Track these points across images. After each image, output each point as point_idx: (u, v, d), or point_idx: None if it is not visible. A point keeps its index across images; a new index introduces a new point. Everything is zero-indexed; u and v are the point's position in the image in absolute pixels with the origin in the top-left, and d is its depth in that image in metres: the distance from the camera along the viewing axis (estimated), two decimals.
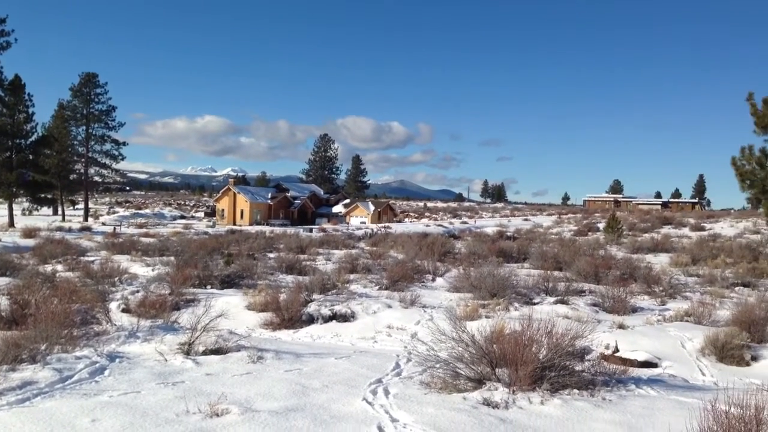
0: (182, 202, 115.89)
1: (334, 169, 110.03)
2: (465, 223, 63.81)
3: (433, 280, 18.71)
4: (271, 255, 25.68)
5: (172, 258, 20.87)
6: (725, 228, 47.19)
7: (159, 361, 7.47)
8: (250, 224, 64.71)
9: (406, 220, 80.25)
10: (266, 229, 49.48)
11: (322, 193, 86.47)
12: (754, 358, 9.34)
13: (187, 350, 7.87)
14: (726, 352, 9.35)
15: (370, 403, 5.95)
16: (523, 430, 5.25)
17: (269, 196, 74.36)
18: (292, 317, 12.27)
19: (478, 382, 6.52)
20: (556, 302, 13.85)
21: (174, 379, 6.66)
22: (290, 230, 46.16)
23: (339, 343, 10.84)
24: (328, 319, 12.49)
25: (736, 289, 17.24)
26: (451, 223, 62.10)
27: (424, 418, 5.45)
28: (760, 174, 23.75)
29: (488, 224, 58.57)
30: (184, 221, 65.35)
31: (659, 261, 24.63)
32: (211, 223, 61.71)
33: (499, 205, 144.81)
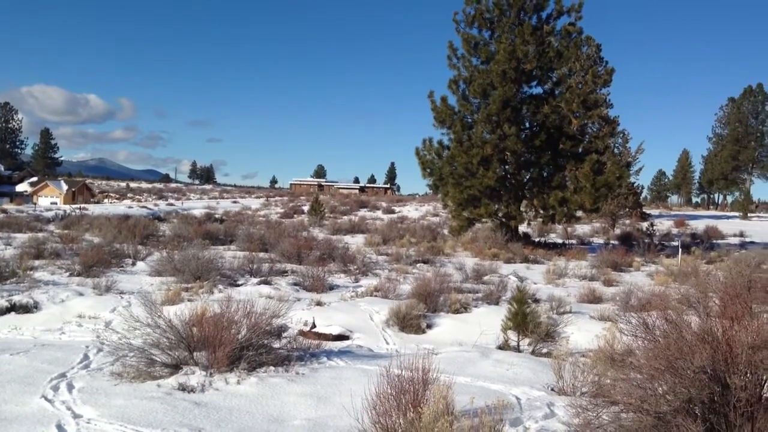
0: None
1: (17, 143, 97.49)
2: (171, 204, 61.33)
3: (134, 264, 17.67)
4: None
5: None
6: (411, 211, 52.85)
7: None
8: None
9: (106, 201, 74.33)
10: None
11: (2, 169, 75.87)
12: (429, 326, 10.70)
13: None
14: (407, 322, 10.53)
15: (49, 401, 5.43)
16: (217, 411, 5.30)
17: None
18: None
19: (175, 368, 6.39)
20: (259, 283, 14.14)
21: None
22: None
23: (18, 338, 9.65)
24: (4, 312, 10.99)
25: (418, 265, 19.43)
26: (156, 205, 59.13)
27: (111, 411, 5.17)
28: (438, 163, 27.24)
29: (196, 206, 57.06)
30: None
31: (355, 241, 26.59)
32: None
33: (208, 186, 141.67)
